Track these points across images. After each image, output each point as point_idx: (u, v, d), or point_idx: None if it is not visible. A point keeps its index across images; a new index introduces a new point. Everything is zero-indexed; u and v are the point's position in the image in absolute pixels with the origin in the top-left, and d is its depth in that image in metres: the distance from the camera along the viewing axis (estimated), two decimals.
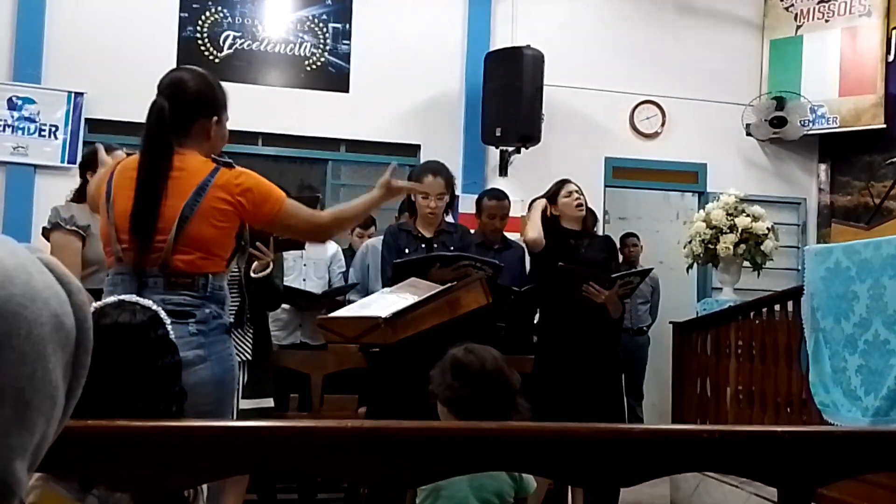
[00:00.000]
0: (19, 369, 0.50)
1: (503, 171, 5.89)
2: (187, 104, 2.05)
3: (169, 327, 1.41)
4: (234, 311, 3.12)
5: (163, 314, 1.41)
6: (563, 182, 3.62)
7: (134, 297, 1.46)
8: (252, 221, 2.13)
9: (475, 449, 1.38)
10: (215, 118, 2.11)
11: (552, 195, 3.59)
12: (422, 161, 5.58)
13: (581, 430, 1.56)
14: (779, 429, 1.60)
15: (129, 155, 2.20)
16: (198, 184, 2.01)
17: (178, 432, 1.27)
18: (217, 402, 2.02)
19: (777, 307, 3.90)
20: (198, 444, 1.23)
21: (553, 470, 1.53)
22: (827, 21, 6.24)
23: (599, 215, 6.11)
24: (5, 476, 0.50)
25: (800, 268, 6.43)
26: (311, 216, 2.21)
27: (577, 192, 3.55)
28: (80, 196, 2.94)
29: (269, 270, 3.14)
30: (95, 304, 1.39)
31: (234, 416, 3.07)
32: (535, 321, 3.81)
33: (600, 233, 5.97)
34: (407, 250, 3.11)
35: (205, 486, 1.42)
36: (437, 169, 3.27)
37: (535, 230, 3.47)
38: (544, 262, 3.45)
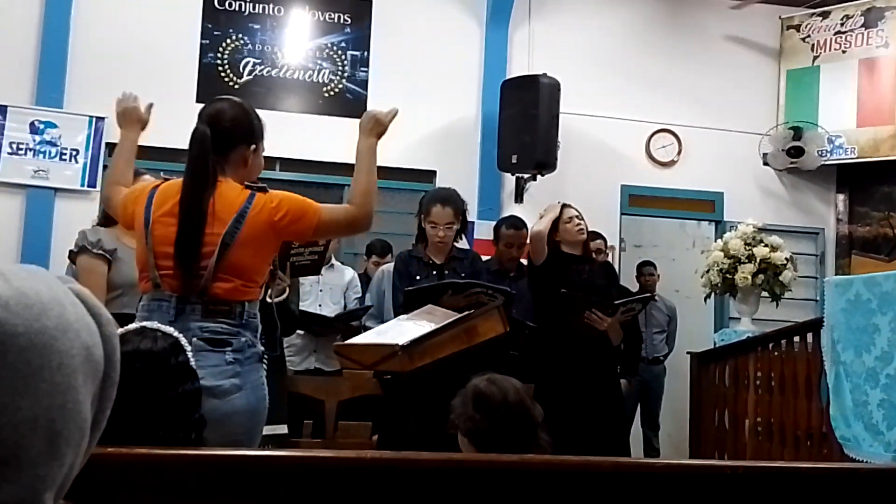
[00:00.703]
0: (51, 401, 0.51)
1: (519, 198, 5.89)
2: (226, 131, 2.07)
3: (189, 354, 1.41)
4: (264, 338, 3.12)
5: (183, 341, 1.41)
6: (563, 207, 3.57)
7: (155, 324, 1.46)
8: (296, 237, 2.19)
9: (497, 482, 1.36)
10: (253, 146, 2.13)
11: (554, 225, 3.55)
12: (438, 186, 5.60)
13: (603, 465, 1.54)
14: (803, 465, 1.58)
15: (164, 180, 2.20)
16: (237, 210, 2.01)
17: (199, 460, 1.26)
18: (250, 431, 2.02)
19: (797, 339, 3.86)
20: (218, 472, 1.23)
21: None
22: (844, 52, 6.24)
23: (615, 243, 6.10)
24: None
25: (817, 298, 6.37)
26: (346, 211, 2.22)
27: (577, 216, 3.53)
28: (106, 220, 2.96)
29: (285, 295, 3.14)
30: (118, 330, 1.39)
31: None
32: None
33: (615, 259, 5.99)
34: (418, 277, 3.11)
35: None
36: (446, 198, 3.28)
37: (543, 225, 3.43)
38: (543, 283, 3.41)
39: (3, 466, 0.49)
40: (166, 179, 2.20)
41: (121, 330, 1.40)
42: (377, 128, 2.37)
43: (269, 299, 3.09)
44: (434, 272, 3.17)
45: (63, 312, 0.53)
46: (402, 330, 2.48)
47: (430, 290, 2.94)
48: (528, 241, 3.97)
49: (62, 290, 0.55)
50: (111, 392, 0.58)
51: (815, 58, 6.36)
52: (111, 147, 5.46)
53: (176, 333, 1.42)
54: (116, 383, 0.58)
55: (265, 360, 2.12)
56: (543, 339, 3.60)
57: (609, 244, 5.88)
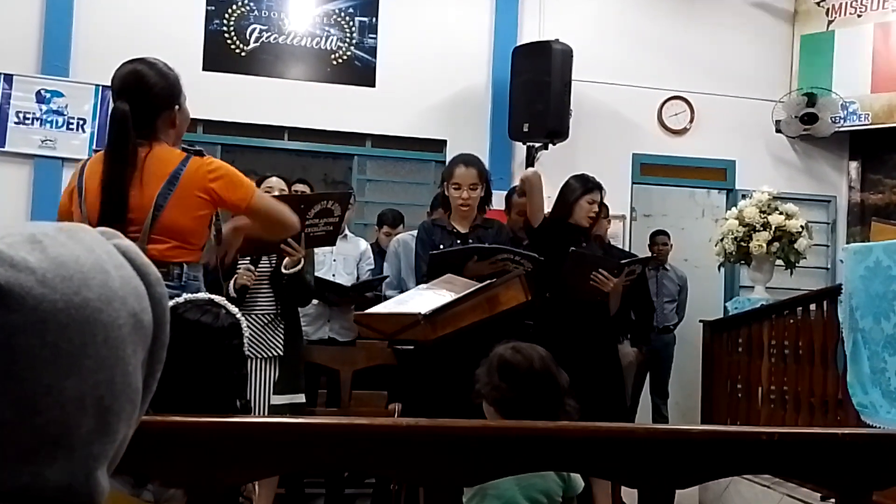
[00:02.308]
0: (98, 377, 0.48)
1: (530, 167, 5.84)
2: (148, 104, 2.10)
3: (246, 340, 1.39)
4: (271, 309, 3.14)
5: (244, 323, 1.38)
6: (589, 188, 3.49)
7: (222, 300, 1.43)
8: (229, 206, 2.18)
9: (531, 449, 1.35)
10: (177, 107, 2.17)
11: (580, 194, 3.50)
12: (447, 156, 5.55)
13: (637, 431, 1.53)
14: (838, 431, 1.56)
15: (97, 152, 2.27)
16: (169, 173, 2.06)
17: (234, 428, 1.25)
18: None
19: (812, 306, 3.84)
20: (254, 440, 1.21)
21: (608, 471, 1.50)
22: (859, 16, 6.13)
23: (626, 212, 6.07)
24: (88, 486, 0.49)
25: (828, 266, 6.35)
26: (284, 208, 2.28)
27: (598, 205, 3.49)
28: None
29: (300, 266, 3.12)
30: (179, 299, 1.37)
31: (263, 411, 3.07)
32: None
33: (625, 229, 5.96)
34: (442, 246, 3.06)
35: (256, 486, 1.40)
36: (468, 160, 3.22)
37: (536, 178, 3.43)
38: (541, 244, 3.37)
39: (54, 447, 0.47)
40: (95, 152, 2.29)
41: (187, 296, 1.38)
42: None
43: (283, 269, 3.09)
44: (458, 241, 3.12)
45: (107, 280, 0.49)
46: (422, 299, 2.46)
47: (456, 254, 2.90)
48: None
49: (105, 250, 0.52)
50: (161, 354, 0.55)
51: (830, 22, 6.26)
52: None
53: (238, 315, 1.39)
54: (166, 345, 0.55)
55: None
56: (548, 305, 3.58)
57: (620, 214, 5.85)
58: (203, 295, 1.44)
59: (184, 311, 1.29)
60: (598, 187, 3.52)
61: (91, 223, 2.04)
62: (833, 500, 2.67)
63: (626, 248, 5.68)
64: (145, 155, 2.07)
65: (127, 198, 2.04)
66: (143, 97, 2.08)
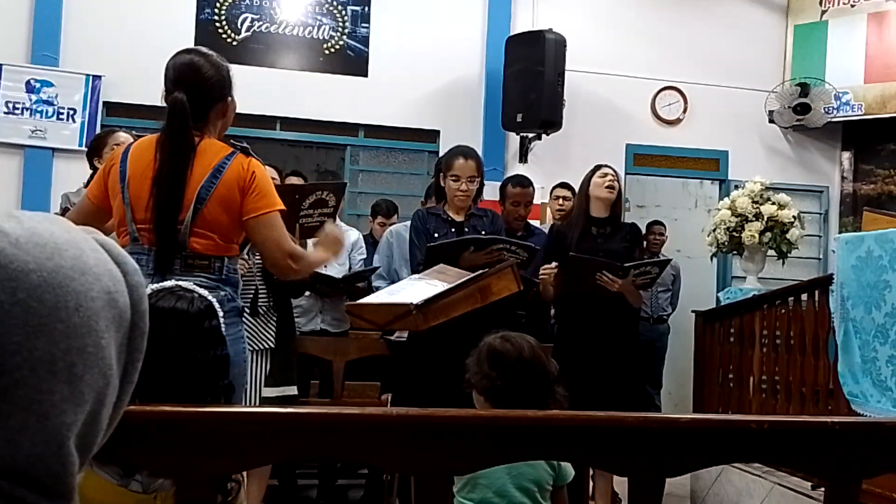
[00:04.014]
0: (69, 342, 0.48)
1: (523, 157, 5.84)
2: (204, 96, 2.09)
3: (222, 319, 1.39)
4: (249, 299, 3.13)
5: (217, 305, 1.38)
6: (599, 165, 3.56)
7: (191, 285, 1.43)
8: (244, 212, 2.09)
9: (521, 438, 1.35)
10: (228, 98, 2.17)
11: (587, 179, 3.53)
12: (441, 146, 5.54)
13: (627, 420, 1.53)
14: (829, 419, 1.56)
15: (137, 137, 2.21)
16: (213, 166, 2.04)
17: (222, 418, 1.24)
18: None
19: (804, 296, 3.85)
20: (242, 429, 1.21)
21: (598, 459, 1.50)
22: (853, 6, 6.13)
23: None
24: (60, 456, 0.49)
25: (821, 257, 6.37)
26: (287, 241, 2.15)
27: (612, 174, 3.49)
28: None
29: None
30: (150, 287, 1.37)
31: (255, 404, 3.07)
32: (553, 311, 3.76)
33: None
34: (437, 234, 3.06)
35: (245, 473, 1.40)
36: (467, 152, 3.23)
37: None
38: (564, 252, 3.41)
39: (26, 412, 0.47)
40: (138, 136, 2.21)
41: (155, 286, 1.38)
42: (335, 247, 2.38)
43: None
44: (453, 229, 3.12)
45: (80, 255, 0.51)
46: (414, 289, 2.45)
47: (452, 245, 2.90)
48: (533, 199, 3.95)
49: (81, 236, 0.53)
50: (140, 343, 0.55)
51: (824, 12, 6.26)
52: (108, 106, 5.39)
53: (210, 297, 1.39)
54: (146, 334, 0.56)
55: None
56: (561, 299, 3.59)
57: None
58: (171, 282, 1.44)
59: (157, 301, 1.29)
60: (604, 165, 3.55)
61: (134, 211, 2.04)
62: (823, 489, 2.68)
63: None
64: (197, 146, 2.06)
65: (184, 189, 2.01)
66: (198, 88, 2.07)
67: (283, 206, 2.14)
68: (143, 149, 2.09)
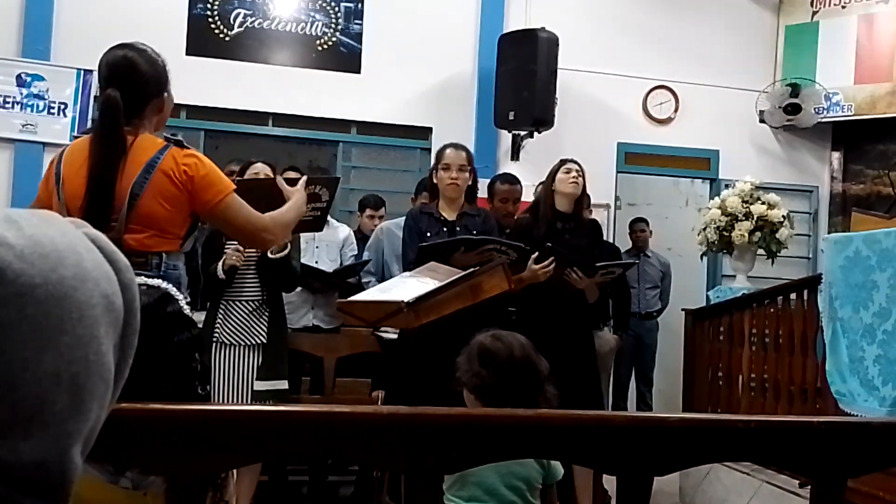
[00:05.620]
0: (73, 354, 0.49)
1: (515, 155, 5.84)
2: (140, 91, 2.06)
3: (182, 303, 1.37)
4: (251, 293, 3.13)
5: (173, 290, 1.37)
6: (564, 161, 3.56)
7: (141, 279, 1.41)
8: (197, 204, 2.08)
9: (511, 436, 1.36)
10: (165, 94, 2.14)
11: (553, 174, 3.54)
12: (433, 144, 5.54)
13: (616, 419, 1.54)
14: (815, 419, 1.58)
15: (75, 138, 2.21)
16: (146, 161, 2.03)
17: (213, 416, 1.25)
18: None
19: (793, 295, 3.88)
20: (232, 428, 1.21)
21: (587, 458, 1.51)
22: (843, 7, 6.17)
23: (611, 201, 6.09)
24: (64, 463, 0.49)
25: (810, 256, 6.41)
26: (253, 215, 2.14)
27: (576, 170, 3.50)
28: None
29: (286, 251, 3.12)
30: None
31: (246, 398, 3.07)
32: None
33: (610, 217, 5.98)
34: (429, 234, 3.08)
35: (234, 471, 1.40)
36: (457, 144, 3.27)
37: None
38: (531, 244, 3.41)
39: (28, 423, 0.47)
40: (75, 137, 2.21)
41: None
42: (299, 193, 2.37)
43: (270, 254, 3.09)
44: (445, 228, 3.14)
45: (80, 261, 0.50)
46: (406, 287, 2.46)
47: (444, 246, 2.92)
48: (521, 197, 3.94)
49: (77, 236, 0.53)
50: (132, 340, 0.56)
51: (815, 13, 6.29)
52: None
53: (163, 284, 1.38)
54: (137, 331, 0.56)
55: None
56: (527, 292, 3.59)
57: (604, 202, 5.88)
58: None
59: None
60: (569, 161, 3.55)
61: (70, 211, 2.02)
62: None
63: (611, 237, 5.72)
64: (131, 143, 2.05)
65: (114, 186, 2.00)
66: (133, 85, 2.04)
67: (234, 186, 2.11)
68: (78, 149, 2.09)
